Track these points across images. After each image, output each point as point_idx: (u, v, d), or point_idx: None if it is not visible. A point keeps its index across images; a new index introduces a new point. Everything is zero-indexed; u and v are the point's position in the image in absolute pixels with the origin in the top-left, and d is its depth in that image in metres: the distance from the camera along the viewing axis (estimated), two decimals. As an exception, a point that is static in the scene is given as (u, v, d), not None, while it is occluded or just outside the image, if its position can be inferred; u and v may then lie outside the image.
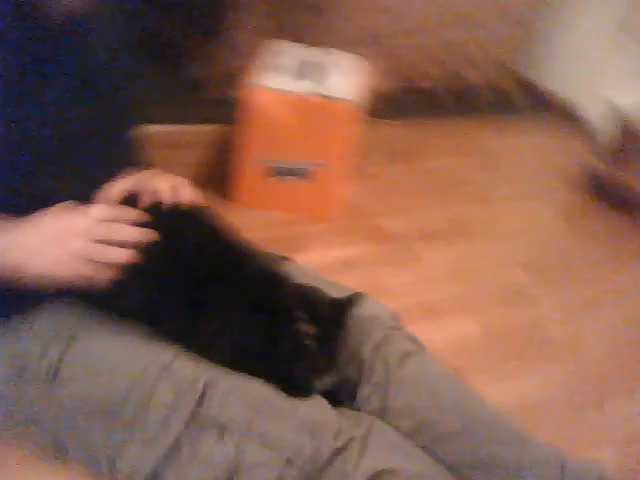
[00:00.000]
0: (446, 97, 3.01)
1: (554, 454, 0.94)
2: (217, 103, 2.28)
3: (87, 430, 0.85)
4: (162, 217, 0.89)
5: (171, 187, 0.93)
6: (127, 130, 1.06)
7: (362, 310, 0.97)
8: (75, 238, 0.81)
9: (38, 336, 0.87)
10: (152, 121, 1.11)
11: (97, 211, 0.84)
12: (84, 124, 0.91)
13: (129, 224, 0.84)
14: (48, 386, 0.85)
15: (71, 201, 0.84)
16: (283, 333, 0.86)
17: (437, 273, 1.75)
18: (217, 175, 1.83)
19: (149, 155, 1.09)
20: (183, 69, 2.41)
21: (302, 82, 1.74)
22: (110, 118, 0.96)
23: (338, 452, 0.81)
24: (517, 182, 2.46)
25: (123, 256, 0.82)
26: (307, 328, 0.85)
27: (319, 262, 1.57)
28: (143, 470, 0.82)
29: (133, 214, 0.85)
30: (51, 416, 0.86)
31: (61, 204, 0.83)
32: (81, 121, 0.91)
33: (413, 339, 1.02)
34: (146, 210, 0.88)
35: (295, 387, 0.87)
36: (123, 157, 1.02)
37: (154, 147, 1.12)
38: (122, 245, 0.82)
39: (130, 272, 0.83)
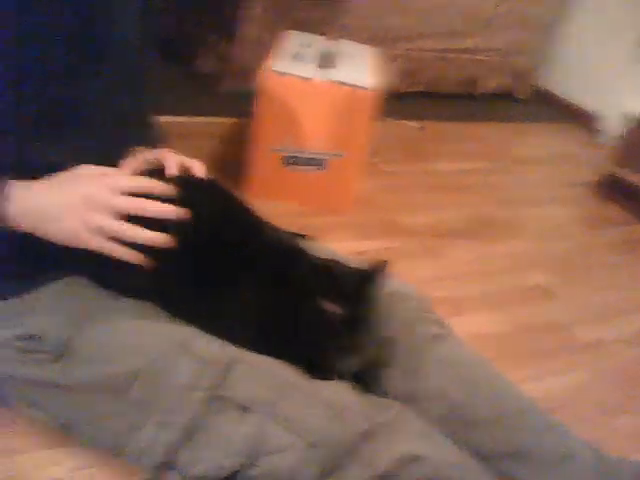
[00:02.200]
0: (463, 103, 2.99)
1: (589, 446, 0.90)
2: (231, 96, 2.25)
3: (97, 413, 0.79)
4: (181, 191, 0.81)
5: (182, 166, 0.85)
6: (141, 108, 0.99)
7: (390, 286, 0.91)
8: (96, 211, 0.72)
9: (47, 314, 0.80)
10: (166, 112, 1.05)
11: (124, 181, 0.75)
12: (95, 93, 0.84)
13: (157, 198, 0.75)
14: (56, 367, 0.78)
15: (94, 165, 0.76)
16: (307, 311, 0.79)
17: (458, 271, 1.71)
18: (230, 167, 1.78)
19: (163, 136, 1.03)
20: (197, 64, 2.38)
21: (321, 70, 1.69)
22: (122, 93, 0.88)
23: (363, 437, 0.76)
24: (536, 187, 2.45)
25: (150, 239, 0.74)
26: (333, 306, 0.78)
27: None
28: (155, 454, 0.75)
29: (161, 187, 0.76)
30: (58, 398, 0.80)
31: (84, 166, 0.75)
32: (92, 90, 0.83)
33: (442, 324, 0.96)
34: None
35: (319, 369, 0.81)
36: (136, 135, 0.94)
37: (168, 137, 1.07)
38: (150, 223, 0.74)
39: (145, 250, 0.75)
